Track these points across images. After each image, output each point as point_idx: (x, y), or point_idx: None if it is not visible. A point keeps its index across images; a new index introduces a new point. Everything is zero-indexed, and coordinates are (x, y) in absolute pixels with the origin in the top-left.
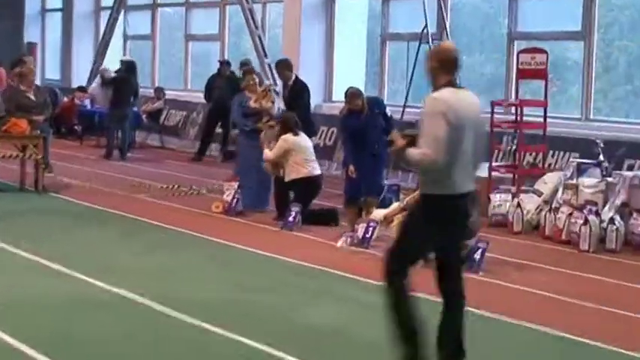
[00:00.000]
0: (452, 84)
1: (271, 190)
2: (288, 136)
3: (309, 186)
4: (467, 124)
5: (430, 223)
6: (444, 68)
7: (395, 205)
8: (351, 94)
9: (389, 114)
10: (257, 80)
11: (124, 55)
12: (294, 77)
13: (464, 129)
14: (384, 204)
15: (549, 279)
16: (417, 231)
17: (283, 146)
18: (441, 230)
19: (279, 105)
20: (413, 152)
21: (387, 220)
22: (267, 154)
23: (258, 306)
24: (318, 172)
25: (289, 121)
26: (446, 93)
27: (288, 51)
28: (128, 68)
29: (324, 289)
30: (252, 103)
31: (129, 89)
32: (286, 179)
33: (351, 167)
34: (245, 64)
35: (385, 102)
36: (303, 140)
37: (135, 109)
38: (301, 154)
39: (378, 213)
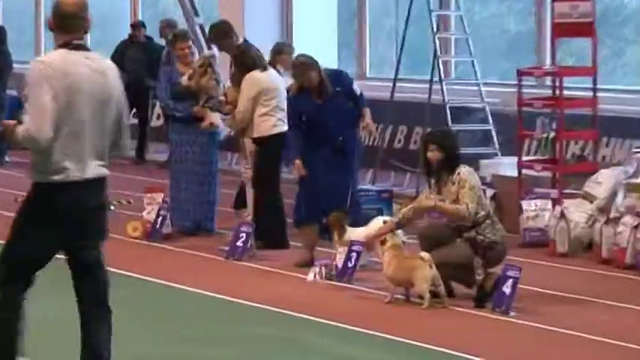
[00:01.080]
0: (71, 45)
1: (217, 202)
2: (255, 73)
3: (278, 145)
4: (84, 94)
5: (39, 219)
6: (61, 26)
7: (379, 220)
8: (301, 64)
9: (357, 91)
10: (193, 49)
11: None
12: (241, 42)
13: (77, 99)
14: (358, 217)
15: (609, 319)
16: (28, 228)
17: (252, 89)
18: (55, 227)
19: (226, 83)
20: (18, 130)
21: (374, 241)
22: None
23: None
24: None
25: (247, 53)
26: (55, 55)
27: (227, 7)
28: None
29: (289, 338)
30: (184, 80)
31: (3, 64)
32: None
33: (298, 162)
34: (169, 27)
35: (368, 75)
36: (276, 78)
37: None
38: (274, 99)
39: (360, 232)
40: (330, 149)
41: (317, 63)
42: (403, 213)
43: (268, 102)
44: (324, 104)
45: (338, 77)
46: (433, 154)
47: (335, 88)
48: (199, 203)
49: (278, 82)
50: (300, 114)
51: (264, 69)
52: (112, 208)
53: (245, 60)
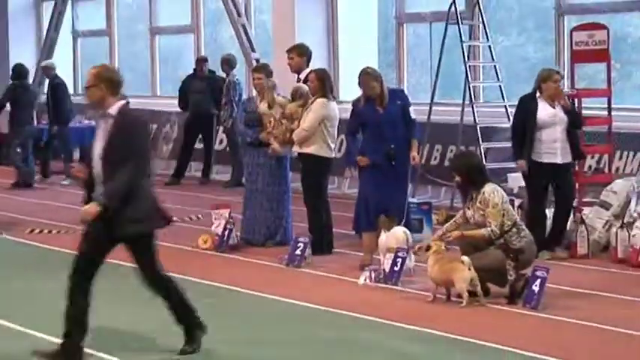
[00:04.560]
0: None
1: (287, 218)
2: (325, 101)
3: (324, 168)
4: None
5: None
6: None
7: (399, 230)
8: (366, 74)
9: (412, 115)
10: (270, 83)
11: (74, 54)
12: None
13: None
14: (410, 228)
15: (629, 313)
16: None
17: (321, 113)
18: None
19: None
20: None
21: (420, 248)
22: (276, 147)
23: None
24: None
25: (327, 78)
26: None
27: (280, 41)
28: (19, 74)
29: (348, 338)
30: (261, 106)
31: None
32: (299, 149)
33: (361, 157)
34: (228, 62)
35: None
36: (336, 110)
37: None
38: (331, 129)
39: (383, 239)
40: (383, 158)
41: (380, 76)
42: (446, 228)
43: (329, 128)
44: (383, 111)
45: (400, 93)
46: (456, 179)
47: (395, 101)
48: (271, 218)
49: (337, 112)
50: (362, 122)
51: (334, 99)
52: (184, 223)
53: (324, 85)
